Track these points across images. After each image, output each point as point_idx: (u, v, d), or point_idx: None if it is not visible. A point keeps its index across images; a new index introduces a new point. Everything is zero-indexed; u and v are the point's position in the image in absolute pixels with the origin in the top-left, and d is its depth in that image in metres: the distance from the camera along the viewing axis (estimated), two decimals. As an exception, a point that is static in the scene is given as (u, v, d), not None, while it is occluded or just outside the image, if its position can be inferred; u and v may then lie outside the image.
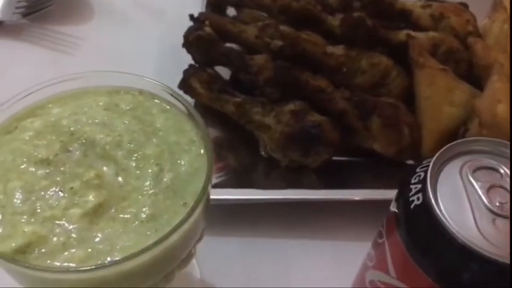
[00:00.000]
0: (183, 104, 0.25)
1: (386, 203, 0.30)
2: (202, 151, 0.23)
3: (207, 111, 0.38)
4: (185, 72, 0.38)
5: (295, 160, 0.36)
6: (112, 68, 0.44)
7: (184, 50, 0.42)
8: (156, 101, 0.25)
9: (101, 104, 0.24)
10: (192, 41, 0.40)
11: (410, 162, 0.38)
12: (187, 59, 0.41)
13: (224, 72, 0.42)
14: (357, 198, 0.34)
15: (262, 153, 0.37)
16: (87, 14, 0.48)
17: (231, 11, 0.48)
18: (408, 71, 0.41)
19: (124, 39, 0.47)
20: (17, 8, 0.44)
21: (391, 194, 0.34)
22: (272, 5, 0.44)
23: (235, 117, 0.37)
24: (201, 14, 0.43)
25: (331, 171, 0.37)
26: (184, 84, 0.38)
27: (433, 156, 0.22)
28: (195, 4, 0.48)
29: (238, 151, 0.38)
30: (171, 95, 0.25)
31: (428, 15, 0.44)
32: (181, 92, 0.34)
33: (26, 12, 0.44)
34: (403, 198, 0.23)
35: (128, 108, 0.24)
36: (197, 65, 0.40)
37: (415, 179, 0.22)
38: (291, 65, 0.37)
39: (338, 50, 0.40)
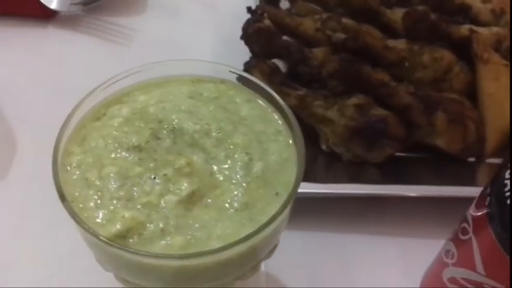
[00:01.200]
0: (267, 93, 0.24)
1: (455, 200, 0.29)
2: (290, 141, 0.23)
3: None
4: (246, 64, 0.38)
5: (358, 155, 0.35)
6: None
7: (239, 42, 0.42)
8: (238, 90, 0.25)
9: (185, 92, 0.24)
10: (251, 34, 0.40)
11: (472, 159, 0.38)
12: (243, 51, 0.41)
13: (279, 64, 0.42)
14: (426, 194, 0.33)
15: (323, 147, 0.37)
16: (140, 6, 0.48)
17: (284, 4, 0.47)
18: (470, 66, 0.40)
19: (178, 31, 0.47)
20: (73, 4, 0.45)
21: (458, 191, 0.34)
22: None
23: (296, 110, 0.37)
24: (258, 6, 0.43)
25: (393, 166, 0.36)
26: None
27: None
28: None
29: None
30: (255, 83, 0.25)
31: (488, 10, 0.43)
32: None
33: (83, 2, 0.44)
34: (497, 193, 0.22)
35: (212, 97, 0.24)
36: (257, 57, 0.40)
37: (509, 174, 0.22)
38: (354, 59, 0.37)
39: (400, 43, 0.39)
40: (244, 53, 0.41)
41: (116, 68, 0.42)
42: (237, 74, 0.25)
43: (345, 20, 0.38)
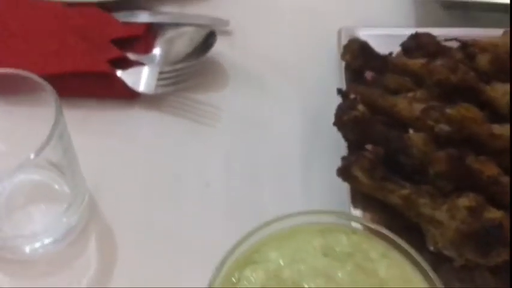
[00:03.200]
0: (401, 246, 0.23)
1: None
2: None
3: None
4: (345, 159, 0.37)
5: (470, 260, 0.34)
6: (256, 142, 0.43)
7: (328, 118, 0.41)
8: (372, 242, 0.24)
9: (317, 247, 0.24)
10: (346, 122, 0.39)
11: None
12: (332, 130, 0.40)
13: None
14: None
15: (431, 248, 0.35)
16: (222, 82, 0.47)
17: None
18: None
19: (263, 108, 0.46)
20: (159, 80, 0.45)
21: None
22: (425, 75, 0.41)
23: (400, 209, 0.36)
24: (349, 87, 0.42)
25: (508, 270, 0.34)
26: (345, 173, 0.36)
27: None
28: (333, 67, 0.47)
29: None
30: (389, 237, 0.23)
31: None
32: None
33: (169, 84, 0.44)
34: None
35: (346, 252, 0.23)
36: (351, 146, 0.39)
37: None
38: (462, 155, 0.35)
39: (506, 130, 0.37)
40: (333, 132, 0.40)
41: (204, 150, 0.42)
42: (369, 226, 0.24)
43: (449, 111, 0.37)
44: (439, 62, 0.40)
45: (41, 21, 0.47)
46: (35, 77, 0.32)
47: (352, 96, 0.41)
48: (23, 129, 0.35)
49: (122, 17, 0.51)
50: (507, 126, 0.37)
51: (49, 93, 0.31)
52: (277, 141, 0.44)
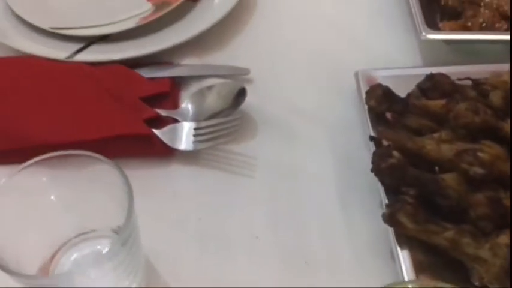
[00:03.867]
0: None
1: None
2: None
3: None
4: (390, 207, 0.40)
5: (515, 292, 0.37)
6: (294, 189, 0.45)
7: (359, 160, 0.45)
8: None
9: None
10: (384, 169, 0.41)
11: None
12: (365, 171, 0.43)
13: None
14: None
15: (476, 283, 0.38)
16: (251, 130, 0.49)
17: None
18: None
19: (295, 153, 0.48)
20: (196, 136, 0.46)
21: None
22: (446, 116, 0.45)
23: (445, 248, 0.38)
24: (380, 134, 0.45)
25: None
26: (392, 220, 0.39)
27: None
28: (354, 108, 0.50)
29: (444, 278, 0.39)
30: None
31: None
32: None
33: (206, 139, 0.46)
34: None
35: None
36: (388, 189, 0.42)
37: None
38: (499, 196, 0.38)
39: (530, 166, 0.41)
40: (366, 173, 0.42)
41: (247, 201, 0.44)
42: None
43: (481, 154, 0.40)
44: (462, 106, 0.43)
45: (72, 84, 0.48)
46: (103, 158, 0.33)
47: (384, 142, 0.44)
48: (89, 200, 0.36)
49: (146, 72, 0.52)
50: (530, 163, 0.41)
51: (119, 177, 0.32)
52: (313, 186, 0.46)
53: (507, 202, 0.39)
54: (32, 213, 0.34)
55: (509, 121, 0.44)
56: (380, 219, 0.41)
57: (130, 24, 0.55)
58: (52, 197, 0.35)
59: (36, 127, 0.45)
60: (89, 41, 0.54)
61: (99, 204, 0.35)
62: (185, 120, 0.48)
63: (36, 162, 0.33)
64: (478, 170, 0.39)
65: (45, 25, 0.54)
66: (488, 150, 0.41)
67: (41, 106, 0.47)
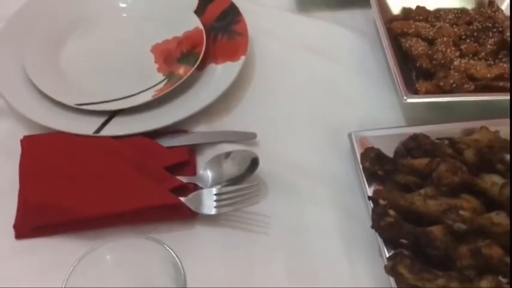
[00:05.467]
0: None
1: None
2: None
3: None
4: (391, 260, 0.47)
5: (498, 326, 0.45)
6: (305, 243, 0.52)
7: (360, 213, 0.52)
8: None
9: None
10: (382, 226, 0.49)
11: None
12: (366, 225, 0.50)
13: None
14: None
15: (465, 321, 0.46)
16: (263, 191, 0.56)
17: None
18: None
19: (303, 211, 0.55)
20: (217, 201, 0.53)
21: None
22: (433, 177, 0.53)
23: (438, 293, 0.46)
24: (376, 194, 0.52)
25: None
26: (393, 271, 0.47)
27: None
28: (349, 165, 0.57)
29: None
30: None
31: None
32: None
33: (227, 204, 0.52)
34: None
35: None
36: (386, 241, 0.49)
37: None
38: (479, 246, 0.46)
39: (503, 219, 0.49)
40: (366, 226, 0.50)
41: (265, 258, 0.50)
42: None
43: (462, 212, 0.48)
44: (443, 167, 0.52)
45: (102, 159, 0.54)
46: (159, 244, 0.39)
47: (381, 201, 0.51)
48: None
49: (165, 142, 0.59)
50: (503, 215, 0.49)
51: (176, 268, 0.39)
52: (320, 239, 0.53)
53: (485, 250, 0.47)
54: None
55: (483, 177, 0.52)
56: (381, 267, 0.48)
57: (147, 97, 0.61)
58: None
59: (74, 202, 0.51)
60: (111, 115, 0.60)
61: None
62: (205, 185, 0.55)
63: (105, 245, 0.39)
64: (460, 226, 0.48)
65: (70, 102, 0.60)
66: (467, 205, 0.50)
67: (76, 182, 0.52)
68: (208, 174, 0.56)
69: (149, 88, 0.63)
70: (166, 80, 0.64)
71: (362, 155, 0.56)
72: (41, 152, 0.55)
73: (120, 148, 0.56)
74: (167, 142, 0.59)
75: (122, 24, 0.72)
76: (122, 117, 0.60)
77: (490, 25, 0.68)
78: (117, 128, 0.59)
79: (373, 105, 0.65)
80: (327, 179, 0.58)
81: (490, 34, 0.67)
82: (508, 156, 0.53)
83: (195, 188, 0.55)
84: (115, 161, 0.54)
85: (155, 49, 0.68)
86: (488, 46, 0.65)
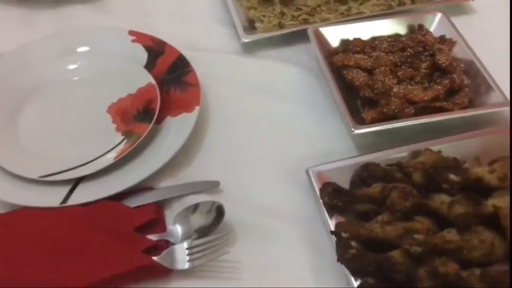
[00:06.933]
0: None
1: None
2: None
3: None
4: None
5: None
6: (275, 283, 0.55)
7: (327, 252, 0.55)
8: None
9: None
10: (347, 259, 0.53)
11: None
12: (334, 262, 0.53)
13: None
14: None
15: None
16: (233, 237, 0.59)
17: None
18: (501, 232, 0.54)
19: (272, 252, 0.58)
20: (189, 255, 0.55)
21: None
22: (383, 199, 0.57)
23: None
24: (337, 228, 0.56)
25: None
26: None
27: None
28: (309, 200, 0.61)
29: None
30: None
31: (495, 177, 0.58)
32: None
33: (199, 257, 0.55)
34: None
35: None
36: (353, 272, 0.53)
37: None
38: (436, 266, 0.50)
39: (454, 236, 0.53)
40: (332, 259, 0.53)
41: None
42: None
43: (416, 236, 0.52)
44: (394, 194, 0.56)
45: (70, 231, 0.56)
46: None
47: (343, 234, 0.55)
48: None
49: (132, 202, 0.60)
50: (454, 232, 0.53)
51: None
52: (291, 276, 0.56)
53: (441, 269, 0.51)
54: None
55: (433, 197, 0.57)
56: (350, 296, 0.52)
57: (110, 160, 0.63)
58: None
59: (48, 277, 0.52)
60: (75, 183, 0.61)
61: None
62: (176, 240, 0.57)
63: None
64: (416, 249, 0.52)
65: (33, 175, 0.61)
66: (421, 226, 0.54)
67: (47, 257, 0.53)
68: (178, 228, 0.58)
69: (110, 150, 0.65)
70: (126, 140, 0.66)
71: (320, 190, 0.59)
72: (7, 234, 0.56)
73: (88, 216, 0.57)
74: (134, 202, 0.60)
75: (75, 87, 0.73)
76: (87, 183, 0.62)
77: (422, 49, 0.73)
78: (83, 195, 0.60)
79: (326, 138, 0.69)
80: (292, 216, 0.61)
81: (423, 58, 0.72)
82: (451, 176, 0.57)
83: (167, 244, 0.57)
84: (84, 230, 0.56)
85: (111, 109, 0.70)
86: (422, 70, 0.71)
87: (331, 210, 0.59)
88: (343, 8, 0.82)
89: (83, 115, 0.70)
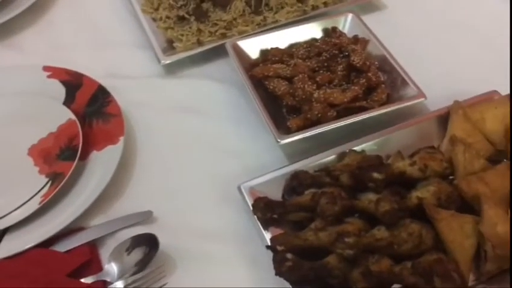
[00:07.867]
0: None
1: None
2: None
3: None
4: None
5: None
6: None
7: (269, 268, 0.55)
8: None
9: None
10: (284, 271, 0.53)
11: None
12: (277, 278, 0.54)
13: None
14: None
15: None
16: (170, 266, 0.58)
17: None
18: (427, 221, 0.56)
19: (213, 277, 0.57)
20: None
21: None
22: (313, 205, 0.58)
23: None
24: (272, 241, 0.56)
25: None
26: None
27: None
28: (245, 215, 0.61)
29: None
30: None
31: (417, 170, 0.61)
32: None
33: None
34: None
35: None
36: (293, 283, 0.53)
37: None
38: (369, 266, 0.51)
39: (383, 233, 0.55)
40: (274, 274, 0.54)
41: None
42: None
43: (347, 239, 0.53)
44: (323, 201, 0.57)
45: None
46: None
47: (278, 247, 0.55)
48: None
49: (63, 247, 0.58)
50: (383, 229, 0.55)
51: None
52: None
53: (374, 268, 0.52)
54: None
55: (361, 197, 0.58)
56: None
57: (35, 206, 0.60)
58: None
59: None
60: (1, 234, 0.59)
61: None
62: (112, 278, 0.56)
63: None
64: (349, 252, 0.53)
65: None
66: (352, 228, 0.55)
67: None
68: (114, 266, 0.57)
69: (35, 195, 0.62)
70: (50, 182, 0.64)
71: (253, 206, 0.60)
72: None
73: (17, 269, 0.55)
74: (65, 245, 0.59)
75: (-8, 132, 0.70)
76: (13, 233, 0.60)
77: (337, 51, 0.75)
78: (10, 246, 0.58)
79: (256, 151, 0.69)
80: (229, 236, 0.61)
81: (339, 60, 0.74)
82: (375, 174, 0.59)
83: (104, 284, 0.55)
84: (14, 285, 0.53)
85: (32, 151, 0.68)
86: (339, 72, 0.72)
87: (267, 224, 0.59)
88: (258, 18, 0.83)
89: (3, 161, 0.67)
